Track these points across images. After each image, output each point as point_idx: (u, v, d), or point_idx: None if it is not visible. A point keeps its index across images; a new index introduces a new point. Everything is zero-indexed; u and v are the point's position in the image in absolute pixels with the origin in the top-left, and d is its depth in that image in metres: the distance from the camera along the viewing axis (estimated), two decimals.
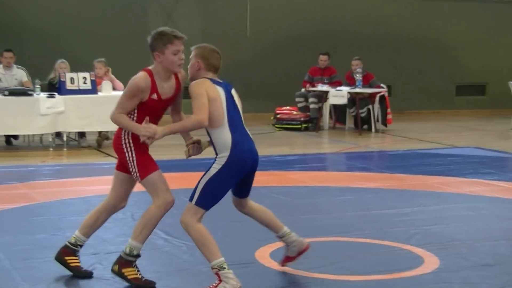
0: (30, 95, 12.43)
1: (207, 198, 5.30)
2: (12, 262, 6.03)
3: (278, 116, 16.25)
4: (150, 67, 5.51)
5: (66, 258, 5.65)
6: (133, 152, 5.44)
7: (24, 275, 5.65)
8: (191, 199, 5.34)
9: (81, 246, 5.69)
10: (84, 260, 6.03)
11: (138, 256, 5.41)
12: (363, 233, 7.02)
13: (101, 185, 9.19)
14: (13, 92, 12.41)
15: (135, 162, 5.42)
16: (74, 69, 13.19)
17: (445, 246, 6.60)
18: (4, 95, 12.33)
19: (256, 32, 18.57)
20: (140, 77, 5.42)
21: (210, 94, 5.28)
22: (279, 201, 8.47)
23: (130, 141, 5.44)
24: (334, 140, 14.54)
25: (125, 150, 5.45)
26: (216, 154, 5.32)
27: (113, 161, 11.55)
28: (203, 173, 5.33)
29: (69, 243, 5.67)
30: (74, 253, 5.67)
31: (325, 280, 5.60)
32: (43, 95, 12.48)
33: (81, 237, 5.68)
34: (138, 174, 5.41)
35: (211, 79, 5.39)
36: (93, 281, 5.57)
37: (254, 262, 6.04)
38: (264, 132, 15.53)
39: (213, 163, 5.30)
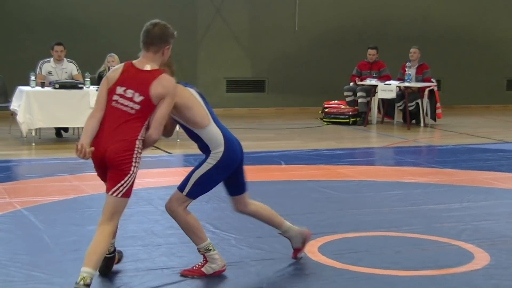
0: (80, 88, 12.54)
1: (197, 190, 5.47)
2: (62, 253, 6.10)
3: (326, 110, 16.20)
4: (152, 65, 5.16)
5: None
6: (137, 168, 5.07)
7: (74, 266, 5.69)
8: (181, 189, 5.44)
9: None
10: (133, 252, 6.09)
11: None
12: (412, 228, 6.97)
13: (149, 178, 9.25)
14: (64, 85, 12.53)
15: (132, 180, 5.03)
16: (123, 62, 13.24)
17: (495, 242, 6.53)
18: (55, 88, 12.45)
19: (304, 26, 18.53)
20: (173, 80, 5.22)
21: (187, 100, 5.35)
22: (327, 196, 8.45)
23: (140, 154, 5.08)
24: (383, 135, 14.46)
25: (133, 163, 4.99)
26: (207, 153, 5.42)
27: (161, 154, 11.70)
28: (195, 166, 5.46)
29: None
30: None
31: (373, 275, 5.58)
32: (93, 88, 12.57)
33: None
34: (123, 191, 4.99)
35: (180, 82, 5.37)
36: (142, 273, 5.60)
37: (302, 256, 6.03)
38: (312, 126, 15.50)
39: (207, 158, 5.41)
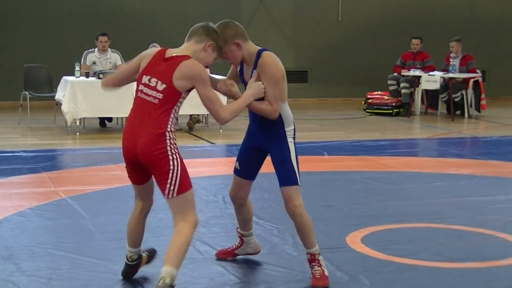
0: None
1: (299, 174, 5.17)
2: (107, 241, 6.14)
3: (369, 101, 16.12)
4: (182, 52, 4.84)
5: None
6: (179, 160, 4.75)
7: (118, 254, 5.74)
8: (294, 182, 5.11)
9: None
10: None
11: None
12: (456, 220, 6.92)
13: (192, 168, 9.24)
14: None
15: (179, 174, 4.70)
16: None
17: None
18: (99, 78, 12.52)
19: (348, 16, 18.44)
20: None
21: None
22: (370, 187, 8.41)
23: (176, 145, 4.81)
24: (426, 126, 14.35)
25: (170, 156, 4.70)
26: (282, 128, 5.14)
27: (204, 144, 11.74)
28: (280, 152, 5.12)
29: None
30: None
31: (417, 267, 5.54)
32: None
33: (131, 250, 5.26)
34: (176, 189, 4.69)
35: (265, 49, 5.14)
36: (186, 262, 5.61)
37: (345, 247, 6.01)
38: (355, 116, 15.44)
39: (283, 137, 5.14)
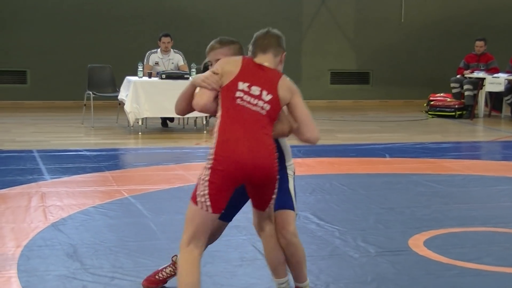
0: (186, 78, 12.66)
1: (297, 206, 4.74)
2: (169, 241, 6.17)
3: (432, 103, 15.96)
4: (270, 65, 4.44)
5: None
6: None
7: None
8: (291, 207, 4.60)
9: None
10: (236, 242, 6.12)
11: None
12: None
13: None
14: (170, 76, 12.69)
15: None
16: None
17: None
18: (161, 78, 12.63)
19: (411, 17, 18.29)
20: None
21: None
22: (433, 189, 8.33)
23: None
24: (490, 129, 14.17)
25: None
26: (284, 162, 4.62)
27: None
28: (279, 180, 4.40)
29: None
30: None
31: (481, 271, 5.47)
32: None
33: None
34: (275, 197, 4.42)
35: None
36: (247, 262, 5.63)
37: (407, 250, 5.96)
38: (417, 118, 15.31)
39: (284, 171, 4.58)
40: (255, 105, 4.24)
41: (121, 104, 12.90)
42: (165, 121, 13.59)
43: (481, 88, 15.41)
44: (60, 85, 16.40)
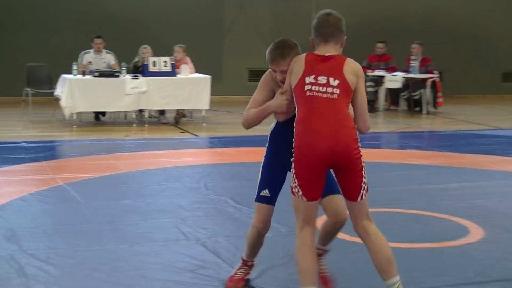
0: (117, 76, 12.57)
1: None
2: (100, 224, 6.13)
3: None
4: (333, 52, 4.18)
5: None
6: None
7: (110, 236, 5.75)
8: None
9: None
10: (163, 224, 6.11)
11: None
12: (414, 205, 6.96)
13: (178, 158, 9.27)
14: (102, 74, 12.57)
15: (366, 172, 4.06)
16: (156, 53, 13.32)
17: (488, 218, 6.51)
18: (94, 76, 12.50)
19: None
20: None
21: None
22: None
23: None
24: (389, 121, 14.40)
25: (361, 154, 4.04)
26: None
27: (189, 136, 11.74)
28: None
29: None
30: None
31: None
32: (128, 76, 12.63)
33: None
34: (367, 188, 4.08)
35: None
36: (171, 243, 5.62)
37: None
38: None
39: None
40: (325, 92, 3.99)
41: (57, 100, 12.70)
42: (97, 115, 13.44)
43: (381, 85, 15.65)
44: (0, 82, 16.07)
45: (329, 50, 4.14)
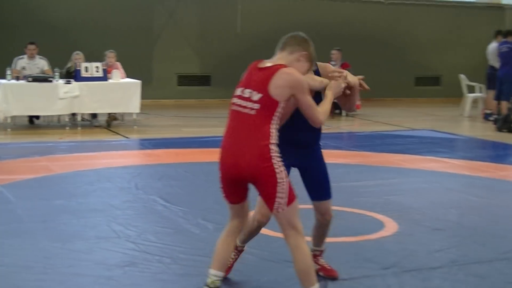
0: (50, 81, 12.38)
1: None
2: (33, 224, 6.03)
3: None
4: (277, 62, 4.13)
5: None
6: (284, 172, 3.92)
7: (42, 234, 5.66)
8: (330, 196, 4.66)
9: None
10: (95, 223, 6.05)
11: None
12: (333, 201, 6.96)
13: (110, 159, 9.18)
14: (36, 79, 12.36)
15: (286, 186, 3.91)
16: (88, 59, 13.16)
17: (402, 213, 6.64)
18: (28, 81, 12.28)
19: (246, 29, 18.50)
20: None
21: None
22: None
23: (279, 159, 3.92)
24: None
25: (277, 169, 3.88)
26: (317, 142, 4.69)
27: (120, 138, 11.65)
28: (320, 164, 4.71)
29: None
30: None
31: None
32: (61, 81, 12.45)
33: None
34: (285, 201, 3.92)
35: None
36: (102, 240, 5.57)
37: None
38: None
39: (319, 151, 4.68)
40: (245, 107, 3.95)
41: None
42: (31, 118, 13.22)
43: None
44: None
45: (279, 58, 4.13)
